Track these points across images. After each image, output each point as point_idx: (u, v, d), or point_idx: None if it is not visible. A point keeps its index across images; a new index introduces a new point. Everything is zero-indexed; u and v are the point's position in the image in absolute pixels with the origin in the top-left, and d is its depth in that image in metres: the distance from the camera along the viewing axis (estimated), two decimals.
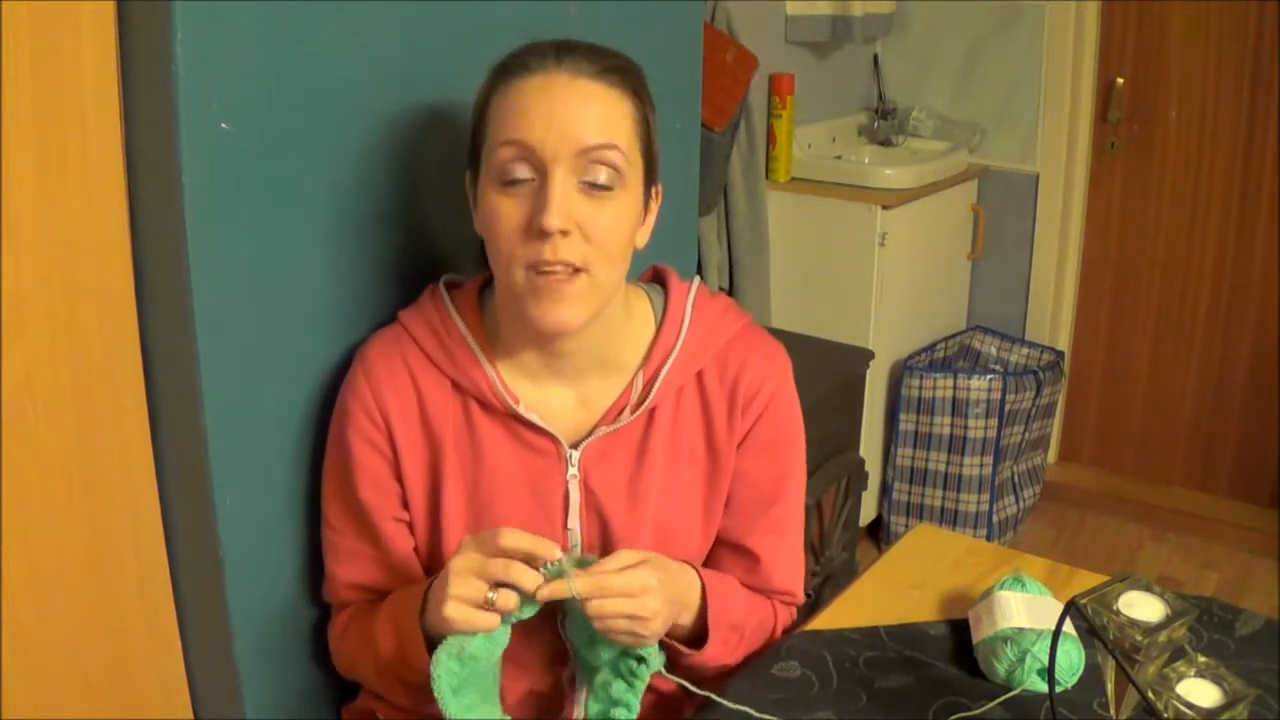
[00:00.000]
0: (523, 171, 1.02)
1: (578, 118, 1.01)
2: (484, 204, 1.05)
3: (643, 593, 1.01)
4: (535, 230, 1.01)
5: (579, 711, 1.14)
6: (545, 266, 1.01)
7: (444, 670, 0.99)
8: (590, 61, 1.03)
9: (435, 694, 0.99)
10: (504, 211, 1.03)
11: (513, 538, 0.99)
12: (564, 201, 1.00)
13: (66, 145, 0.96)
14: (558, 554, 0.99)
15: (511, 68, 1.04)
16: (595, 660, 1.08)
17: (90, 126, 0.97)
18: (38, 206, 0.94)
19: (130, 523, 1.08)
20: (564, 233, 1.00)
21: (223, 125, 1.01)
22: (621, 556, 1.03)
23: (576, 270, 1.03)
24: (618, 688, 1.07)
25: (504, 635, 1.03)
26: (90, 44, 0.96)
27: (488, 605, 0.98)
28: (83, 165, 0.97)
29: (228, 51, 1.00)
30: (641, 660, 1.06)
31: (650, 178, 1.10)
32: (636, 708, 1.06)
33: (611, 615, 1.00)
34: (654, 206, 1.12)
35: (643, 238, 1.11)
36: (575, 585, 0.99)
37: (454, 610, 0.98)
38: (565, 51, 1.03)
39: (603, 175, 1.02)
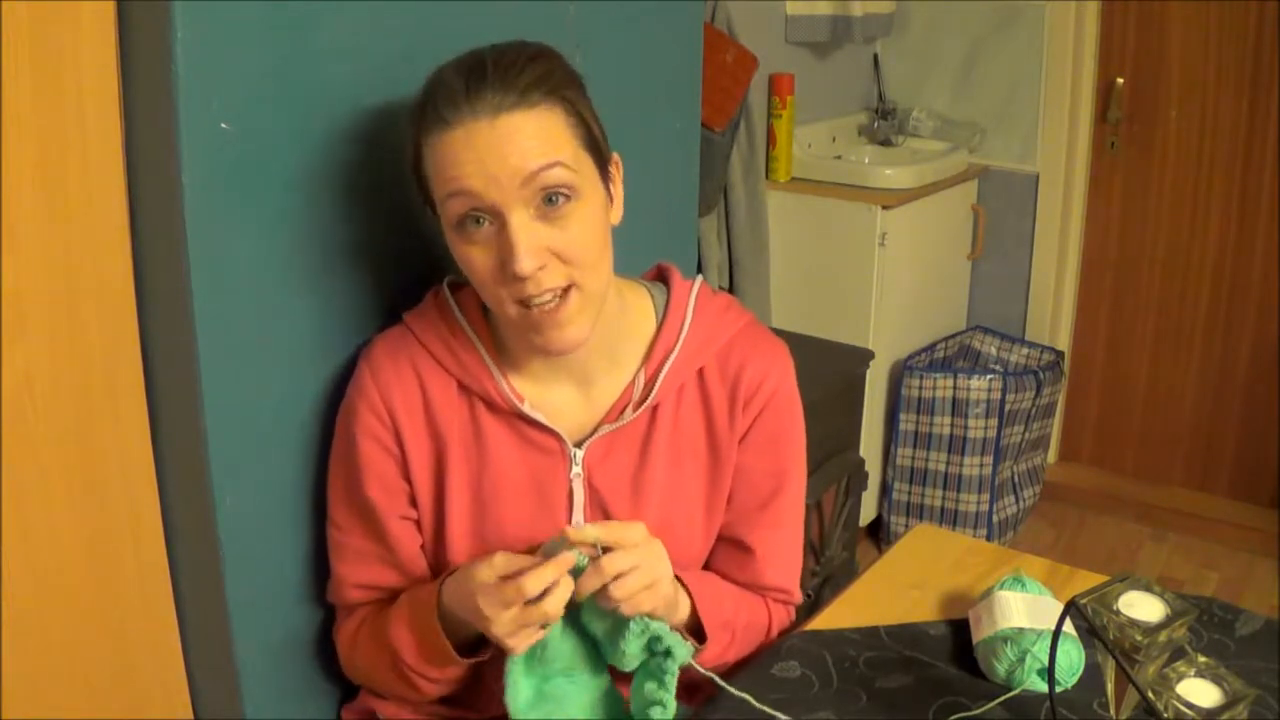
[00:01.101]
0: (477, 216, 1.01)
1: (511, 155, 0.98)
2: (453, 249, 1.05)
3: (644, 540, 1.04)
4: (510, 275, 1.00)
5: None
6: (534, 301, 1.02)
7: (518, 694, 1.06)
8: (502, 91, 0.99)
9: (509, 709, 1.05)
10: (474, 259, 1.03)
11: (505, 562, 1.02)
12: (529, 239, 0.99)
13: (66, 145, 0.96)
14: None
15: (429, 119, 1.01)
16: (623, 663, 1.07)
17: (90, 126, 0.97)
18: (38, 206, 0.94)
19: (130, 523, 1.08)
20: (540, 267, 1.00)
21: (223, 125, 1.01)
22: (610, 528, 1.06)
23: (566, 290, 1.03)
24: (650, 687, 1.07)
25: (562, 636, 1.09)
26: (90, 44, 0.96)
27: (543, 623, 1.02)
28: (83, 165, 0.97)
29: (228, 51, 1.00)
30: (668, 654, 1.06)
31: (603, 160, 1.07)
32: (672, 705, 1.06)
33: (624, 569, 1.01)
34: (617, 177, 1.11)
35: (616, 214, 1.10)
36: (587, 533, 1.03)
37: (515, 641, 1.02)
38: (474, 86, 0.99)
39: (556, 195, 1.01)
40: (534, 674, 1.08)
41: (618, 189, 1.11)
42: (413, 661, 1.10)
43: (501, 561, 1.03)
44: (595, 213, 1.05)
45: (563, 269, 1.02)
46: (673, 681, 1.06)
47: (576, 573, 1.02)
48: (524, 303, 1.03)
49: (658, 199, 1.14)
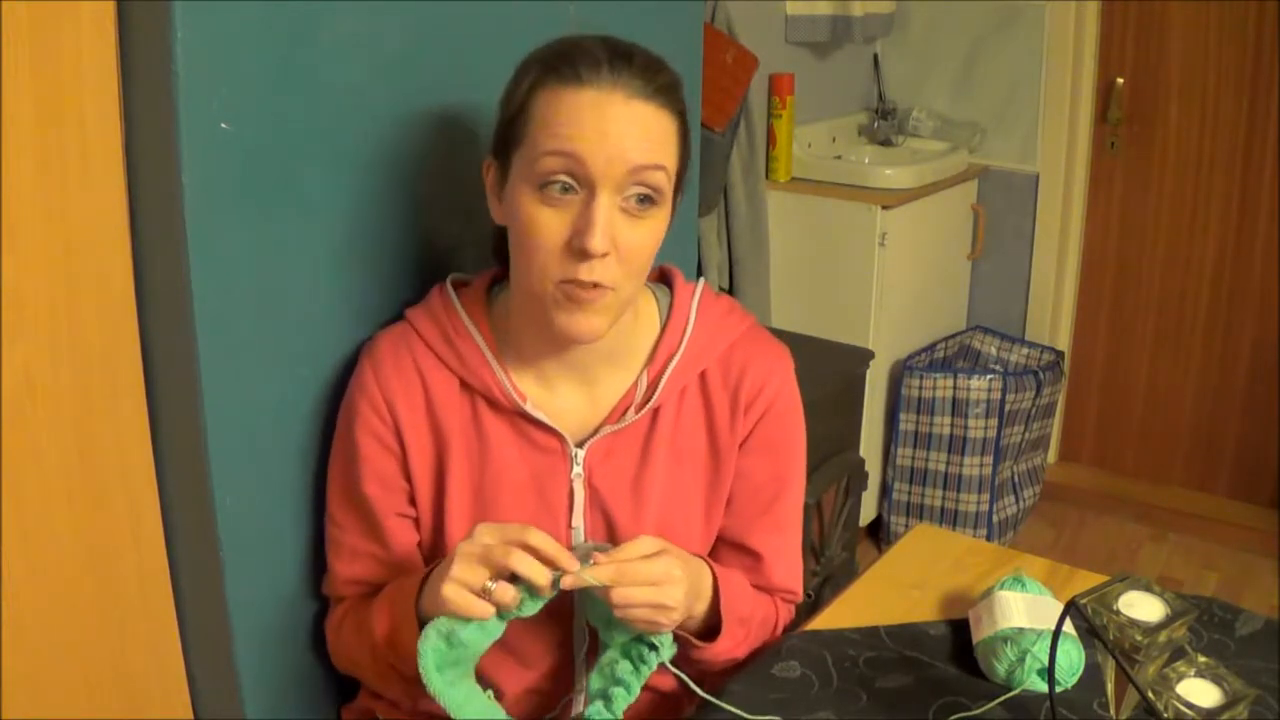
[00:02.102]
0: (567, 183, 1.01)
1: (632, 140, 1.00)
2: (518, 206, 1.04)
3: (666, 581, 1.01)
4: (576, 249, 1.00)
5: (578, 707, 1.14)
6: (581, 282, 1.02)
7: (430, 647, 0.99)
8: (644, 79, 1.01)
9: (420, 669, 0.99)
10: (543, 223, 1.02)
11: (540, 539, 0.98)
12: (608, 224, 1.00)
13: (66, 145, 0.96)
14: (576, 566, 0.99)
15: (561, 72, 1.01)
16: (609, 640, 1.08)
17: (90, 126, 0.97)
18: (38, 206, 0.94)
19: (130, 523, 1.08)
20: (603, 255, 1.01)
21: (223, 125, 1.01)
22: (641, 544, 1.03)
23: (607, 288, 1.03)
24: (623, 668, 1.06)
25: (498, 628, 1.02)
26: (90, 44, 0.96)
27: (485, 594, 0.98)
28: (83, 165, 0.97)
29: (228, 51, 1.00)
30: (654, 648, 1.06)
31: (680, 189, 1.09)
32: (636, 691, 1.06)
33: (635, 604, 1.00)
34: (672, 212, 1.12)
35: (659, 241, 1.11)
36: (599, 574, 0.98)
37: (451, 591, 0.98)
38: (618, 63, 1.00)
39: (647, 195, 1.02)
40: (445, 675, 1.03)
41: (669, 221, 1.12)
42: (385, 646, 1.10)
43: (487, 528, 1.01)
44: (660, 227, 1.06)
45: (615, 269, 1.02)
46: (648, 672, 1.06)
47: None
48: (567, 283, 1.02)
49: None
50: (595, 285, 1.02)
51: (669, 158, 1.03)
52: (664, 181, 1.03)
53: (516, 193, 1.04)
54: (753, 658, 1.19)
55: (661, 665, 1.08)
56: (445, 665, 1.01)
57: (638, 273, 1.05)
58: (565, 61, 1.01)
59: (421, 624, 1.04)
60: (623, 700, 1.05)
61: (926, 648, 1.18)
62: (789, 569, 1.24)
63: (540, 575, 0.97)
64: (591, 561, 1.00)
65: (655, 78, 1.02)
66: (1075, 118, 3.11)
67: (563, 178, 1.00)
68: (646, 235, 1.04)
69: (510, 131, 1.05)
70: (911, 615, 1.24)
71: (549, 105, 1.01)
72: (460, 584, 0.98)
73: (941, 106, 3.26)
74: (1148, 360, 3.25)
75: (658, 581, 1.01)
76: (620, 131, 0.99)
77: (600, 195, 1.00)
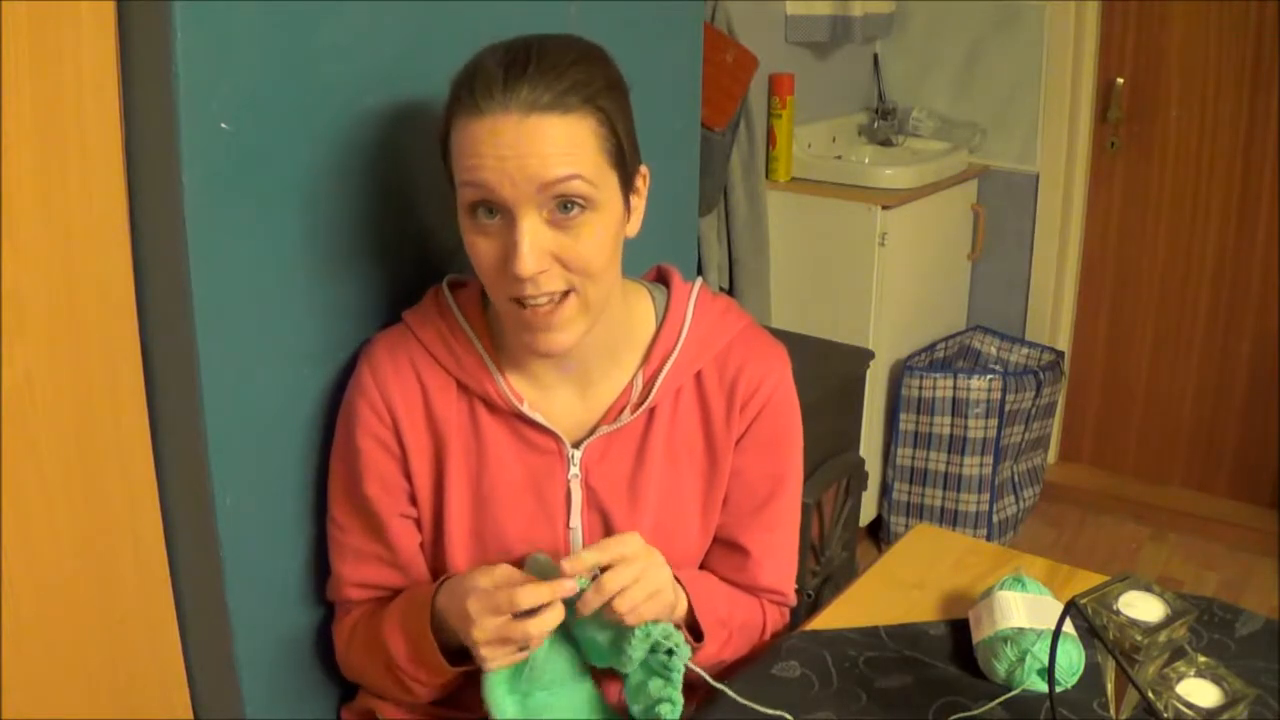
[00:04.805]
0: (489, 208, 1.00)
1: (534, 159, 0.96)
2: (463, 233, 1.04)
3: (642, 551, 1.04)
4: (511, 274, 1.00)
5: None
6: (529, 300, 1.01)
7: (499, 707, 1.06)
8: (541, 89, 0.96)
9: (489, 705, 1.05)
10: (479, 248, 1.02)
11: (530, 598, 0.99)
12: (534, 242, 0.98)
13: (66, 145, 0.96)
14: (573, 586, 1.01)
15: (464, 101, 0.99)
16: (626, 666, 1.07)
17: (90, 126, 0.97)
18: (38, 206, 0.94)
19: (130, 523, 1.08)
20: (541, 271, 1.00)
21: (223, 125, 1.01)
22: (606, 548, 1.04)
23: (565, 294, 1.02)
24: (655, 684, 1.07)
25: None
26: (90, 44, 0.96)
27: (523, 644, 1.02)
28: (83, 165, 0.97)
29: (228, 51, 1.00)
30: (671, 652, 1.06)
31: (628, 173, 1.06)
32: (680, 701, 1.06)
33: (626, 584, 1.02)
34: (642, 189, 1.10)
35: (634, 226, 1.09)
36: (590, 603, 1.01)
37: (489, 652, 1.01)
38: (514, 79, 0.97)
39: (570, 206, 0.99)
40: (516, 691, 1.07)
41: (640, 201, 1.10)
42: (404, 663, 1.10)
43: (503, 573, 1.03)
44: (608, 225, 1.03)
45: (564, 275, 1.01)
46: (679, 679, 1.06)
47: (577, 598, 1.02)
48: (519, 301, 1.02)
49: (658, 199, 1.14)
50: (553, 296, 1.01)
51: (583, 163, 0.98)
52: (584, 188, 0.99)
53: (461, 221, 1.04)
54: (749, 659, 1.19)
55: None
56: (522, 716, 1.07)
57: (596, 275, 1.03)
58: (467, 89, 0.99)
59: (440, 642, 1.06)
60: (670, 712, 1.06)
61: (926, 648, 1.18)
62: (779, 569, 1.24)
63: (557, 591, 1.00)
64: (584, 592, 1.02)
65: (555, 83, 0.97)
66: (1075, 118, 3.11)
67: (483, 205, 1.00)
68: (587, 241, 1.01)
69: (445, 162, 1.05)
70: (911, 615, 1.24)
71: (459, 136, 1.00)
72: (502, 660, 1.02)
73: (941, 106, 3.26)
74: (1148, 360, 3.25)
75: (638, 578, 1.02)
76: (521, 153, 0.96)
77: (521, 218, 0.98)
